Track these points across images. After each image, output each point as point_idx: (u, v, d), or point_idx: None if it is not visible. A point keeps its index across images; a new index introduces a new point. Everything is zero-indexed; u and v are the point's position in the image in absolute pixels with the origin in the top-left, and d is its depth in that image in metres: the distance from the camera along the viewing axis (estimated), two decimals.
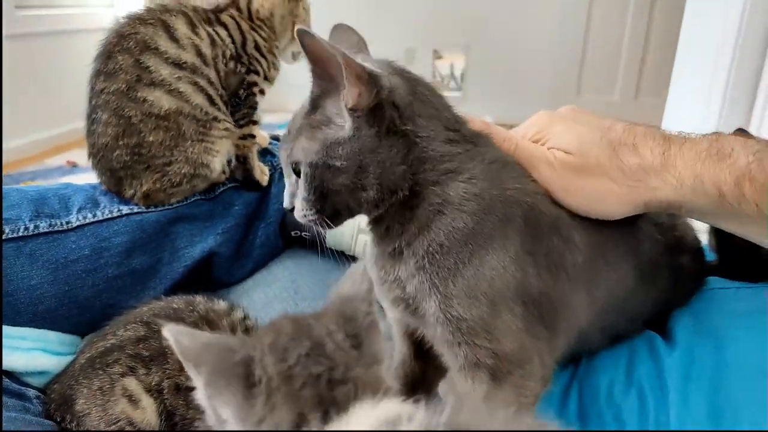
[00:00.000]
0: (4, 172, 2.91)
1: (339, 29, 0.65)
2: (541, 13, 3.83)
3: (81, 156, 3.21)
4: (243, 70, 0.83)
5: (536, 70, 3.90)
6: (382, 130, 0.54)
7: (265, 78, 0.86)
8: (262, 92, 0.86)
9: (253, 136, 0.86)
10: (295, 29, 0.49)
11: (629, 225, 0.62)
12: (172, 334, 0.37)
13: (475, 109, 3.59)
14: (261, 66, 0.85)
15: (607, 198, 0.58)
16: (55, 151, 3.30)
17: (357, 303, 0.40)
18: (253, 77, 0.84)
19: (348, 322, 0.39)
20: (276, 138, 0.98)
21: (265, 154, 0.92)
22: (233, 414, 0.35)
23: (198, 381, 0.37)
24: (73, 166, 3.07)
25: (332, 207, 0.57)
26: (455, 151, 0.57)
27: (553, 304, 0.58)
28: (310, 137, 0.56)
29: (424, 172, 0.56)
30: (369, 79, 0.52)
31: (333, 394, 0.34)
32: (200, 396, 0.38)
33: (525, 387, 0.57)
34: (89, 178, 0.84)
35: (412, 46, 4.04)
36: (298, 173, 0.57)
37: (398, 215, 0.57)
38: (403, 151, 0.55)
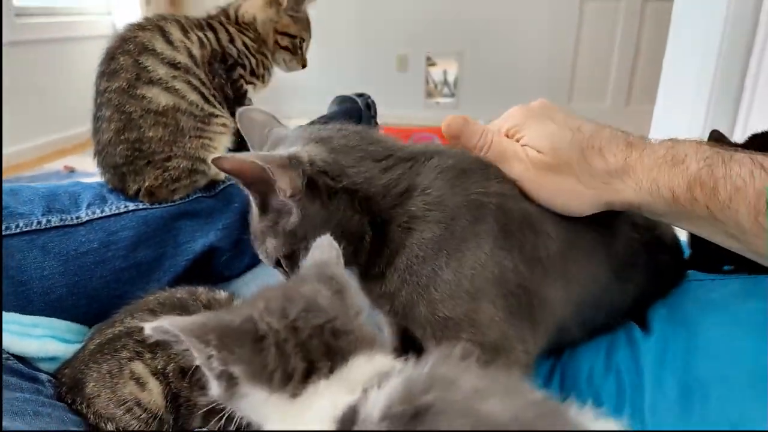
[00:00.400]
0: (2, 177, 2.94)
1: (243, 116, 0.72)
2: (533, 21, 3.90)
3: (78, 161, 3.24)
4: (224, 68, 0.88)
5: (528, 77, 3.96)
6: (324, 199, 0.59)
7: (252, 73, 0.91)
8: (250, 84, 0.90)
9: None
10: (210, 160, 0.57)
11: (604, 224, 0.67)
12: (170, 323, 0.40)
13: (468, 114, 3.65)
14: (248, 62, 0.90)
15: (574, 196, 0.63)
16: (53, 157, 3.33)
17: (332, 266, 0.45)
18: (238, 71, 0.89)
19: (329, 281, 0.43)
20: None
21: None
22: (246, 370, 0.38)
23: (205, 352, 0.39)
24: (71, 171, 3.10)
25: None
26: (396, 174, 0.62)
27: (531, 296, 0.62)
28: (272, 236, 0.61)
29: (378, 206, 0.61)
30: (290, 163, 0.57)
31: (338, 343, 0.38)
32: (206, 369, 0.41)
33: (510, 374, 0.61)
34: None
35: (405, 52, 4.10)
36: (281, 264, 0.64)
37: (373, 247, 0.62)
38: (350, 203, 0.60)
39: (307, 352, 0.38)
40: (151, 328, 0.41)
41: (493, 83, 4.03)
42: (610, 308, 0.71)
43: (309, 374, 0.37)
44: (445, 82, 4.19)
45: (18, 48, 3.07)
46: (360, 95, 1.17)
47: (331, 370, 0.37)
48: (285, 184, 0.56)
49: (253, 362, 0.38)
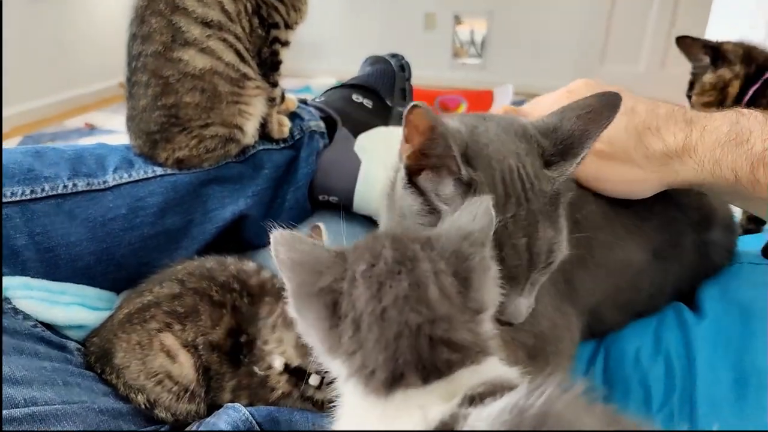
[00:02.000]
0: (24, 133, 2.94)
1: None
2: None
3: (99, 118, 3.22)
4: (264, 26, 0.82)
5: (559, 38, 3.81)
6: None
7: (286, 26, 0.85)
8: (285, 44, 0.85)
9: (274, 99, 0.87)
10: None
11: (641, 205, 0.64)
12: (274, 240, 0.37)
13: (494, 77, 3.53)
14: (280, 13, 0.84)
15: (636, 184, 0.61)
16: (75, 113, 3.33)
17: (473, 239, 0.36)
18: (273, 32, 0.83)
19: (460, 261, 0.35)
20: (304, 101, 0.98)
21: (294, 117, 0.92)
22: (319, 339, 0.34)
23: (288, 292, 0.36)
24: (92, 129, 3.09)
25: None
26: None
27: (573, 283, 0.60)
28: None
29: None
30: None
31: (433, 356, 0.31)
32: (289, 306, 0.37)
33: (556, 364, 0.58)
34: (107, 139, 0.85)
35: (432, 10, 3.96)
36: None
37: None
38: None
39: (394, 356, 0.31)
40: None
41: (523, 44, 3.89)
42: (652, 290, 0.68)
43: (396, 381, 0.31)
44: (472, 42, 4.06)
45: (40, 3, 3.02)
46: (393, 56, 1.11)
47: (425, 384, 0.31)
48: None
49: (328, 338, 0.33)
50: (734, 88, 1.10)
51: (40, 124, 3.14)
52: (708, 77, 1.13)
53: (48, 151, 0.75)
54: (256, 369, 0.67)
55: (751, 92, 1.08)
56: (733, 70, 1.10)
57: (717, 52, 1.12)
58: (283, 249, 0.36)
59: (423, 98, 2.47)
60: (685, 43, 1.16)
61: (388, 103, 1.03)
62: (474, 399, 0.30)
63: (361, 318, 0.32)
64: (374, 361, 0.32)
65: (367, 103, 1.00)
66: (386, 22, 3.99)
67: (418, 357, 0.31)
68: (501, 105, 2.93)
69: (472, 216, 0.37)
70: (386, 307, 0.32)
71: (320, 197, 0.90)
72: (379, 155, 0.87)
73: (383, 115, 1.01)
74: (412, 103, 0.45)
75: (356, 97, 1.00)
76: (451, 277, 0.34)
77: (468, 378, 0.32)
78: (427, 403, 0.31)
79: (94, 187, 0.73)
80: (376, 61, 1.10)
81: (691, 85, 1.19)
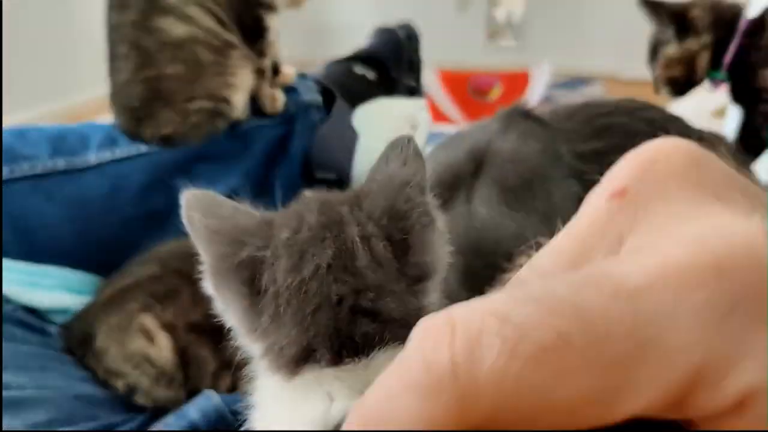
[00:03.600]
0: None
1: None
2: None
3: None
4: None
5: (602, 17, 3.64)
6: None
7: None
8: (271, 8, 0.80)
9: (263, 71, 0.82)
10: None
11: None
12: (186, 203, 0.32)
13: (533, 59, 3.41)
14: None
15: None
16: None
17: (411, 191, 0.30)
18: None
19: (396, 220, 0.30)
20: (303, 75, 0.94)
21: (289, 91, 0.88)
22: (238, 319, 0.30)
23: (204, 266, 0.32)
24: None
25: None
26: None
27: None
28: None
29: None
30: None
31: (351, 328, 0.27)
32: (206, 283, 0.32)
33: None
34: None
35: None
36: None
37: None
38: None
39: (310, 327, 0.28)
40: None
41: (563, 24, 3.73)
42: None
43: (305, 358, 0.27)
44: (509, 24, 3.93)
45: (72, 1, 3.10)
46: (402, 26, 1.05)
47: (336, 363, 0.27)
48: None
49: (246, 315, 0.29)
50: (703, 59, 0.97)
51: (80, 119, 3.23)
52: (672, 50, 0.99)
53: (30, 131, 0.74)
54: None
55: (731, 55, 0.94)
56: (700, 40, 0.97)
57: (683, 21, 0.98)
58: (198, 214, 0.31)
59: (454, 81, 2.37)
60: (650, 7, 1.01)
61: (393, 75, 0.98)
62: None
63: (281, 292, 0.28)
64: (286, 336, 0.28)
65: (370, 74, 0.95)
66: (416, 2, 3.91)
67: (334, 329, 0.27)
68: (538, 87, 2.82)
69: (402, 160, 0.32)
70: (305, 278, 0.28)
71: (318, 174, 0.86)
72: (377, 128, 0.82)
73: (387, 88, 0.96)
74: None
75: (358, 69, 0.95)
76: (384, 241, 0.29)
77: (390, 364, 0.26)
78: (337, 392, 0.27)
79: (74, 166, 0.71)
80: (382, 31, 1.05)
81: (653, 53, 1.05)
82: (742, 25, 0.94)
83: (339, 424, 0.25)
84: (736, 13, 0.96)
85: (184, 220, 0.31)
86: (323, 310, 0.27)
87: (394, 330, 0.27)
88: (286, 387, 0.28)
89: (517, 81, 2.98)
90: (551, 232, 0.17)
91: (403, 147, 0.32)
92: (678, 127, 0.63)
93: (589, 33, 3.66)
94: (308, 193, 0.68)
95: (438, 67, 2.83)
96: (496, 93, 2.90)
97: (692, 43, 0.97)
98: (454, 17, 3.87)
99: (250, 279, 0.29)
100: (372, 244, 0.29)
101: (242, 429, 0.31)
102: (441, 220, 0.31)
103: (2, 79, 2.33)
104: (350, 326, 0.27)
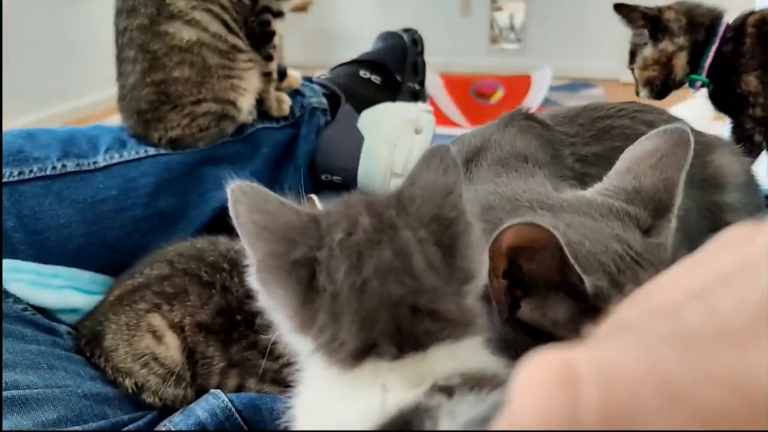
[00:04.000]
0: None
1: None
2: None
3: None
4: None
5: (603, 21, 3.62)
6: None
7: None
8: (278, 15, 0.81)
9: (269, 74, 0.83)
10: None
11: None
12: (232, 196, 0.32)
13: (534, 62, 3.42)
14: None
15: None
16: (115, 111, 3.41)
17: (452, 201, 0.32)
18: (262, 1, 0.80)
19: (443, 228, 0.31)
20: (309, 79, 0.95)
21: (295, 94, 0.89)
22: (289, 316, 0.31)
23: (251, 261, 0.32)
24: None
25: None
26: None
27: None
28: None
29: None
30: None
31: (413, 326, 0.28)
32: (252, 278, 0.33)
33: None
34: None
35: None
36: None
37: None
38: None
39: (370, 325, 0.28)
40: None
41: (564, 27, 3.74)
42: None
43: (366, 352, 0.28)
44: (512, 27, 3.93)
45: (82, 3, 3.12)
46: (406, 30, 1.06)
47: (398, 357, 0.28)
48: None
49: (299, 313, 0.30)
50: (680, 60, 0.98)
51: (86, 121, 3.24)
52: (648, 52, 1.00)
53: (40, 132, 0.74)
54: (261, 337, 0.64)
55: (710, 59, 0.95)
56: (675, 42, 0.98)
57: (657, 24, 0.99)
58: (244, 209, 0.32)
59: (457, 85, 2.38)
60: (624, 10, 1.02)
61: (398, 78, 0.99)
62: (445, 390, 0.26)
63: (340, 291, 0.29)
64: (347, 333, 0.29)
65: (375, 78, 0.96)
66: (420, 8, 3.92)
67: (397, 327, 0.28)
68: (540, 90, 2.82)
69: (441, 170, 0.33)
70: (367, 278, 0.29)
71: (323, 177, 0.87)
72: (382, 131, 0.83)
73: (392, 91, 0.97)
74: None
75: (363, 73, 0.96)
76: (434, 246, 0.30)
77: (444, 361, 0.28)
78: (392, 384, 0.28)
79: (84, 168, 0.72)
80: (387, 36, 1.06)
81: (632, 56, 1.06)
82: (721, 29, 0.95)
83: (394, 421, 0.26)
84: (714, 17, 0.97)
85: (231, 213, 0.32)
86: (385, 309, 0.28)
87: (451, 328, 0.29)
88: (341, 380, 0.29)
89: (519, 84, 2.98)
90: None
91: (442, 156, 0.33)
92: None
93: (589, 36, 3.66)
94: (314, 199, 0.69)
95: (441, 71, 2.84)
96: (498, 96, 2.91)
97: (667, 45, 0.98)
98: (458, 21, 3.88)
99: (306, 278, 0.30)
100: (425, 248, 0.30)
101: (284, 423, 0.32)
102: (478, 227, 0.32)
103: (2, 82, 2.35)
104: (412, 324, 0.28)
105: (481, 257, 0.32)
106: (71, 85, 3.18)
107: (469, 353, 0.29)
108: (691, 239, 0.61)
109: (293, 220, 0.32)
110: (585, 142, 0.61)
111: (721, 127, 1.10)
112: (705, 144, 0.65)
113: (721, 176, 0.63)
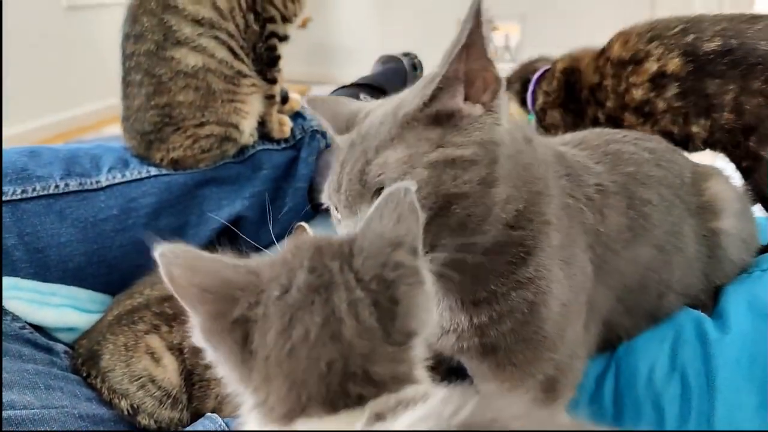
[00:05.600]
0: (63, 140, 3.04)
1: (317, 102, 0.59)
2: None
3: None
4: (259, 21, 0.80)
5: (596, 41, 3.70)
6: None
7: (284, 19, 0.83)
8: (284, 39, 0.83)
9: (273, 96, 0.84)
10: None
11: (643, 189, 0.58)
12: (163, 260, 0.30)
13: None
14: (275, 6, 0.81)
15: None
16: (113, 121, 3.41)
17: (402, 256, 0.30)
18: (270, 27, 0.81)
19: (383, 288, 0.30)
20: None
21: (296, 117, 0.90)
22: (229, 371, 0.31)
23: (194, 321, 0.32)
24: None
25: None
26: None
27: (589, 303, 0.54)
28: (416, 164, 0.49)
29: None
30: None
31: (345, 390, 0.28)
32: (197, 337, 0.32)
33: (563, 396, 0.53)
34: None
35: (464, 17, 3.91)
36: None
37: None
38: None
39: (298, 390, 0.28)
40: None
41: (559, 49, 3.79)
42: (659, 287, 0.62)
43: (297, 414, 0.28)
44: (507, 47, 3.99)
45: (76, 12, 3.12)
46: (406, 54, 1.08)
47: (331, 413, 0.28)
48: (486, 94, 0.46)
49: (239, 371, 0.30)
50: (513, 106, 1.10)
51: (81, 132, 3.23)
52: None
53: (44, 150, 0.75)
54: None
55: (529, 101, 1.07)
56: (511, 90, 1.11)
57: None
58: (180, 271, 0.30)
59: None
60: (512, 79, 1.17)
61: None
62: (381, 416, 0.27)
63: (270, 354, 0.29)
64: (276, 397, 0.29)
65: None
66: (417, 27, 3.96)
67: (327, 391, 0.28)
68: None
69: (394, 218, 0.31)
70: (295, 344, 0.28)
71: (321, 200, 0.87)
72: None
73: None
74: None
75: (363, 97, 0.97)
76: (370, 307, 0.29)
77: (381, 405, 0.28)
78: (328, 426, 0.28)
79: (86, 187, 0.72)
80: (387, 60, 1.07)
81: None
82: (535, 77, 1.08)
83: None
84: (537, 67, 1.10)
85: (164, 277, 0.31)
86: (314, 374, 0.28)
87: (386, 388, 0.28)
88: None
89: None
90: None
91: (398, 201, 0.32)
92: (676, 158, 0.65)
93: None
94: (305, 226, 0.69)
95: None
96: None
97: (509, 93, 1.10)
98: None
99: (243, 338, 0.30)
100: (359, 311, 0.29)
101: None
102: (429, 281, 0.32)
103: (2, 90, 2.35)
104: (344, 389, 0.28)
105: (428, 314, 0.31)
106: (69, 94, 3.18)
107: (408, 391, 0.29)
108: (690, 265, 0.62)
109: (232, 276, 0.31)
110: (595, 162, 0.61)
111: (712, 156, 1.13)
112: (700, 173, 0.67)
113: (715, 203, 0.65)
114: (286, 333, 0.29)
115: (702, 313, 0.64)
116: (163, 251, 0.31)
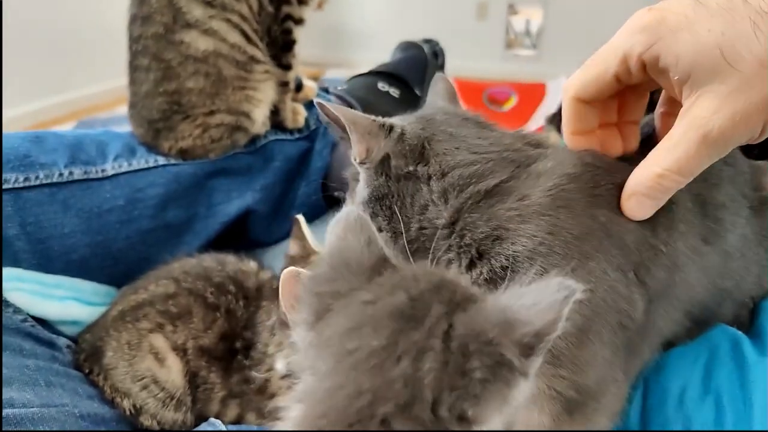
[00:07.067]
0: (77, 119, 3.02)
1: (436, 82, 0.63)
2: None
3: None
4: (274, 3, 0.76)
5: (619, 26, 3.60)
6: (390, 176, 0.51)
7: (300, 1, 0.79)
8: (299, 22, 0.78)
9: (287, 84, 0.80)
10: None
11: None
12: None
13: (551, 69, 3.38)
14: None
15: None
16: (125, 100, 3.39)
17: (508, 347, 0.25)
18: (285, 9, 0.77)
19: (464, 360, 0.25)
20: (325, 89, 0.92)
21: (310, 106, 0.86)
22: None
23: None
24: None
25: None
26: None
27: (640, 327, 0.49)
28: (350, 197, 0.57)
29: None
30: (377, 130, 0.50)
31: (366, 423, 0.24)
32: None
33: (593, 422, 0.49)
34: None
35: (485, 0, 3.83)
36: None
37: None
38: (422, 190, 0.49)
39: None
40: None
41: (582, 34, 3.68)
42: (722, 293, 0.55)
43: None
44: (527, 33, 3.89)
45: None
46: (427, 41, 1.03)
47: None
48: (357, 150, 0.51)
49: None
50: None
51: (94, 110, 3.22)
52: None
53: (48, 136, 0.72)
54: (254, 374, 0.62)
55: None
56: None
57: None
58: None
59: (470, 91, 2.34)
60: None
61: (417, 92, 0.96)
62: None
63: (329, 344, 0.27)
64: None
65: (394, 92, 0.93)
66: (435, 10, 3.88)
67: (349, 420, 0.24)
68: (554, 100, 2.78)
69: (535, 301, 0.26)
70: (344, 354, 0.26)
71: (336, 193, 0.84)
72: None
73: (410, 105, 0.94)
74: None
75: (382, 86, 0.93)
76: (437, 363, 0.24)
77: None
78: None
79: (91, 176, 0.69)
80: (407, 47, 1.03)
81: None
82: None
83: None
84: None
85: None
86: (343, 395, 0.25)
87: None
88: None
89: (533, 93, 2.94)
90: None
91: (554, 287, 0.26)
92: (734, 151, 0.60)
93: (605, 42, 3.61)
94: (300, 220, 0.66)
95: (455, 75, 2.80)
96: (511, 104, 2.87)
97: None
98: (473, 26, 3.84)
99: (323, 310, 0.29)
100: (422, 361, 0.25)
101: None
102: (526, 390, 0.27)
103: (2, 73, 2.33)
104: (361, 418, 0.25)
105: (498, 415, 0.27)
106: (83, 73, 3.16)
107: None
108: (749, 269, 0.56)
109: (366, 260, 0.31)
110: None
111: None
112: (757, 166, 0.61)
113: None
114: (345, 335, 0.26)
115: (738, 331, 0.59)
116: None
